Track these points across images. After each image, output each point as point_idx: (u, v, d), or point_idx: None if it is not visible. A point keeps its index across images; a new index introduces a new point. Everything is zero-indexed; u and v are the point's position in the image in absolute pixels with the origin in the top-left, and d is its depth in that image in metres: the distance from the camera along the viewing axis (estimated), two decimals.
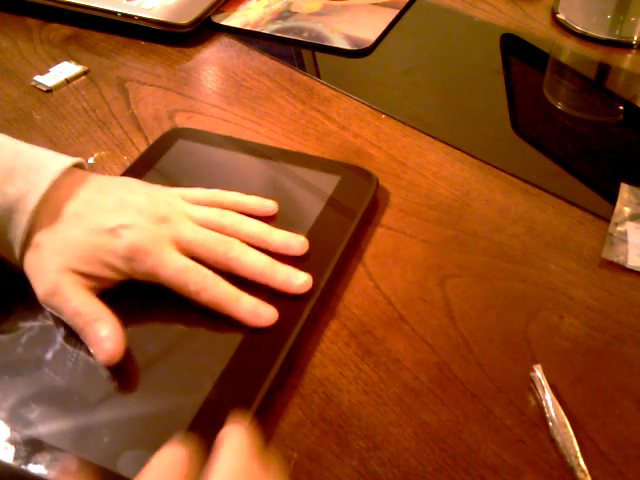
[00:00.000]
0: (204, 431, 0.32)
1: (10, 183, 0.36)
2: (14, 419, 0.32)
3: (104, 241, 0.36)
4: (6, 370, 0.35)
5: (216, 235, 0.39)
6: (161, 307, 0.38)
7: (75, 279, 0.36)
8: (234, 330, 0.37)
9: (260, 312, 0.37)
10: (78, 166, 0.40)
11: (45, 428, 0.32)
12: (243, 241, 0.40)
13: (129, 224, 0.37)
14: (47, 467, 0.30)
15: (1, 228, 0.37)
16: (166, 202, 0.40)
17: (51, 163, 0.38)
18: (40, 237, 0.37)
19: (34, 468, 0.30)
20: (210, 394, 0.33)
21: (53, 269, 0.36)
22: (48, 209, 0.37)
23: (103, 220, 0.37)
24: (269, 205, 0.43)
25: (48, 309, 0.36)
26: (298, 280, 0.38)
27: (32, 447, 0.31)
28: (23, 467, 0.30)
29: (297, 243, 0.41)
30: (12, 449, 0.31)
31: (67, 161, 0.39)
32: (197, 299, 0.37)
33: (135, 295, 0.38)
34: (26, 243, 0.37)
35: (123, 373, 0.35)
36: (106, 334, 0.34)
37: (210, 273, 0.37)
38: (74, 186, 0.38)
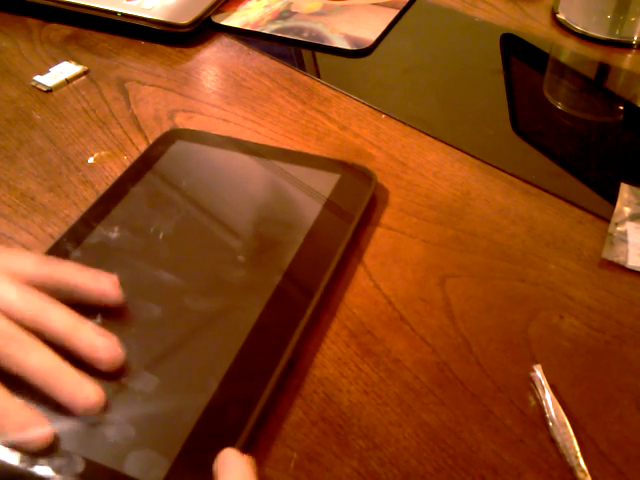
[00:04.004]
0: (207, 432, 0.32)
1: None
2: None
3: None
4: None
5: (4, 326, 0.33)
6: (162, 309, 0.38)
7: None
8: (237, 332, 0.37)
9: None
10: None
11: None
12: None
13: None
14: (53, 469, 0.30)
15: None
16: None
17: None
18: None
19: (40, 470, 0.30)
20: (214, 395, 0.33)
21: None
22: None
23: None
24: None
25: None
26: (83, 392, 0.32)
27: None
28: (29, 469, 0.30)
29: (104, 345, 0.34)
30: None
31: None
32: None
33: (136, 297, 0.39)
34: None
35: (127, 373, 0.35)
36: None
37: None
38: None
